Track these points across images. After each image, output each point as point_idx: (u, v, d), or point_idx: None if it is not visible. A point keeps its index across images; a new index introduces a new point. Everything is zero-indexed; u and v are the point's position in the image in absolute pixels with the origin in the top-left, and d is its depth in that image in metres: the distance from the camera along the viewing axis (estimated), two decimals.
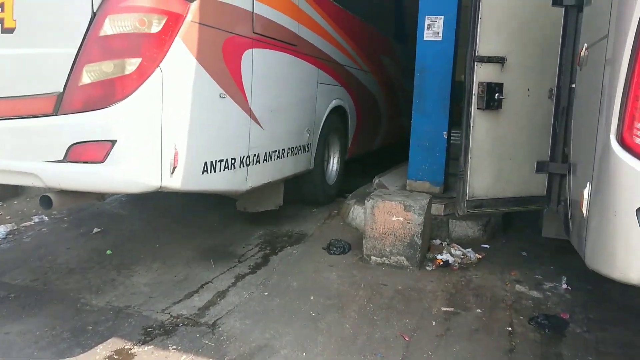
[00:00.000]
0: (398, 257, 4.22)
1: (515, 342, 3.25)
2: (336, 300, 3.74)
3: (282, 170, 4.64)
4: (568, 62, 3.85)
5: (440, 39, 5.16)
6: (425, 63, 5.25)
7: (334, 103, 5.76)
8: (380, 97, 7.65)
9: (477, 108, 3.73)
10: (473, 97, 3.72)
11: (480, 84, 3.69)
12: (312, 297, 3.76)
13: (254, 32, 3.83)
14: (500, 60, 3.72)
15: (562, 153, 4.02)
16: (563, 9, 3.81)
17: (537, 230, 5.05)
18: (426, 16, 5.22)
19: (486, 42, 3.68)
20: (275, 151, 4.42)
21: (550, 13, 3.83)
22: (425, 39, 5.24)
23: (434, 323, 3.46)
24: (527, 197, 4.08)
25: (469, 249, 4.60)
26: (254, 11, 3.82)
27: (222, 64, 3.49)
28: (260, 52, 3.95)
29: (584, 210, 2.35)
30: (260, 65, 3.96)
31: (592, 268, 2.29)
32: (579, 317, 3.58)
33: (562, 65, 3.92)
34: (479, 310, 3.65)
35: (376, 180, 6.17)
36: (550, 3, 3.78)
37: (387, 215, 4.22)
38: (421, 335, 3.31)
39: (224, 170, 3.62)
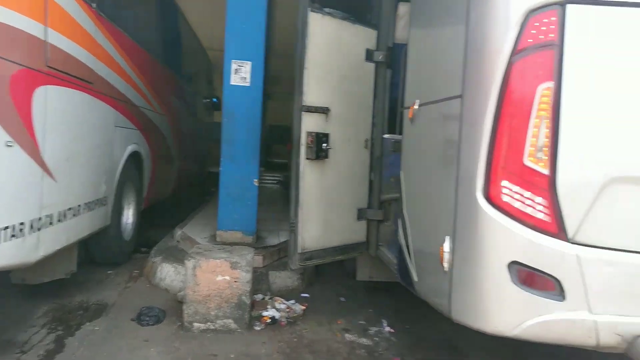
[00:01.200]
0: (225, 320, 3.82)
1: None
2: None
3: (79, 231, 3.86)
4: (380, 115, 4.07)
5: (248, 84, 5.02)
6: (233, 108, 5.04)
7: (130, 148, 5.11)
8: (174, 140, 7.15)
9: (307, 158, 3.64)
10: (302, 147, 3.63)
11: (309, 133, 3.63)
12: None
13: (47, 66, 3.11)
14: (325, 111, 3.73)
15: (378, 200, 4.18)
16: (374, 65, 4.03)
17: (346, 274, 5.20)
18: (232, 60, 5.04)
19: (312, 93, 3.65)
20: (71, 208, 3.65)
21: (364, 68, 4.01)
22: (232, 83, 5.05)
23: None
24: (350, 245, 4.13)
25: (292, 301, 4.45)
26: (48, 40, 3.11)
27: (10, 102, 2.72)
28: (54, 90, 3.23)
29: (445, 264, 2.38)
30: (54, 105, 3.23)
31: (459, 321, 2.32)
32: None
33: (375, 117, 4.12)
34: None
35: (178, 232, 5.65)
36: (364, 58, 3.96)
37: (212, 274, 3.81)
38: None
39: (10, 239, 2.78)
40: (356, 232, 4.10)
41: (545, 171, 2.03)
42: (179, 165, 7.58)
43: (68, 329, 3.82)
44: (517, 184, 2.07)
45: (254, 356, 3.57)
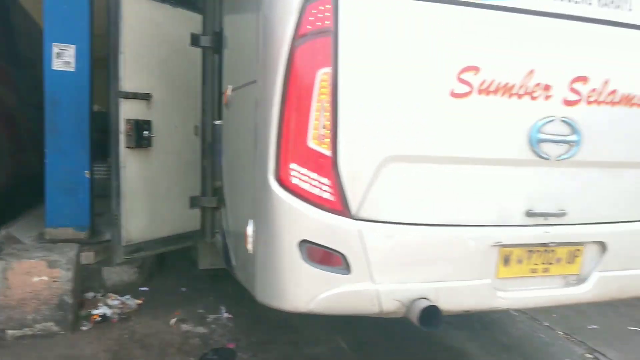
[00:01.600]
0: (45, 324, 3.56)
1: None
2: None
3: None
4: (209, 101, 4.00)
5: (73, 69, 4.66)
6: (57, 95, 4.65)
7: None
8: None
9: (127, 147, 3.48)
10: (121, 135, 3.46)
11: (128, 121, 3.46)
12: None
13: None
14: (146, 97, 3.58)
15: (212, 187, 4.13)
16: (201, 49, 3.94)
17: (192, 264, 5.11)
18: (54, 43, 4.64)
19: (130, 78, 3.48)
20: None
21: (190, 53, 3.91)
22: (54, 68, 4.65)
23: None
24: (184, 234, 4.04)
25: (128, 296, 4.27)
26: None
27: None
28: None
29: (249, 246, 2.42)
30: None
31: (263, 303, 2.37)
32: (244, 344, 3.73)
33: (205, 104, 4.04)
34: None
35: (2, 233, 5.12)
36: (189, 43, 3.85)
37: (27, 276, 3.52)
38: None
39: None
40: (190, 220, 4.02)
41: (328, 153, 2.13)
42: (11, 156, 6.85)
43: None
44: (303, 166, 2.14)
45: (77, 358, 3.37)
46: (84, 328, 3.79)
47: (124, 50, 3.43)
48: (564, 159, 2.44)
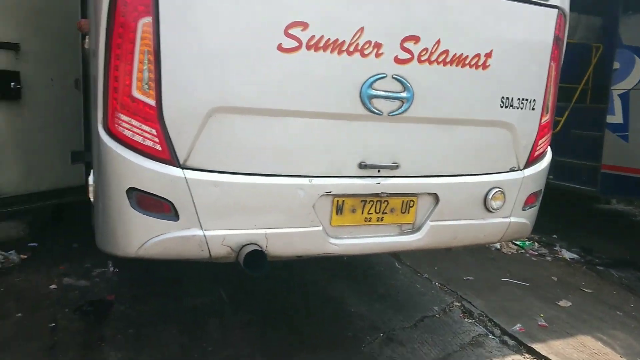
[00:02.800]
0: None
1: (58, 337, 3.20)
2: None
3: None
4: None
5: None
6: None
7: None
8: None
9: None
10: None
11: None
12: None
13: None
14: (13, 47, 3.49)
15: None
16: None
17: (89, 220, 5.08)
18: None
19: None
20: None
21: (69, 2, 3.81)
22: None
23: None
24: (66, 189, 4.02)
25: (12, 251, 4.24)
26: None
27: None
28: None
29: (90, 195, 2.47)
30: None
31: (101, 249, 2.44)
32: (125, 296, 3.81)
33: (87, 56, 3.97)
34: (20, 315, 3.42)
35: None
36: None
37: None
38: None
39: None
40: (72, 175, 4.00)
41: (152, 102, 2.18)
42: None
43: None
44: (129, 116, 2.19)
45: None
46: None
47: None
48: (396, 114, 2.57)
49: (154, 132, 2.20)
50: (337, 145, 2.53)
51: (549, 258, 5.49)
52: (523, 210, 3.06)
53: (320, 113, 2.45)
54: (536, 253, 5.60)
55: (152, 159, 2.22)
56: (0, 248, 4.28)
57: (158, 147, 2.22)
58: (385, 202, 2.68)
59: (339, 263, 4.76)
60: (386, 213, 2.69)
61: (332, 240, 2.58)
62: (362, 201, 2.62)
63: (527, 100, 2.90)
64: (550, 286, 4.67)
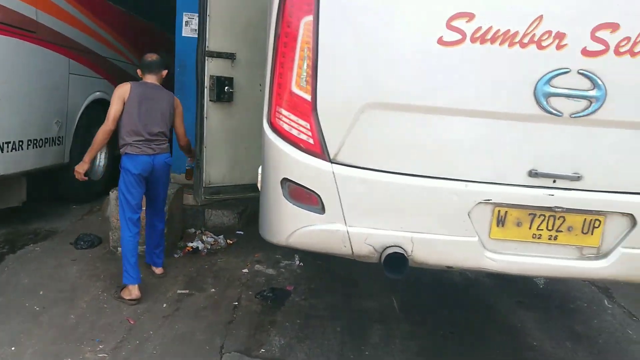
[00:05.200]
0: (144, 246, 4.25)
1: (237, 315, 3.53)
2: (69, 293, 3.66)
3: (20, 164, 4.37)
4: None
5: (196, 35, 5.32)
6: (184, 59, 5.37)
7: (95, 95, 5.57)
8: None
9: (210, 100, 3.95)
10: (205, 89, 3.94)
11: (211, 77, 3.92)
12: (41, 292, 3.63)
13: None
14: (230, 57, 4.00)
15: None
16: None
17: None
18: (184, 13, 5.35)
19: (216, 39, 3.92)
20: (8, 143, 4.15)
21: None
22: (183, 35, 5.37)
23: (164, 305, 3.59)
24: None
25: (222, 236, 4.84)
26: None
27: None
28: None
29: (259, 185, 2.66)
30: None
31: (264, 238, 2.61)
32: (302, 288, 4.02)
33: None
34: (213, 290, 3.88)
35: None
36: None
37: None
38: (148, 317, 3.41)
39: None
40: None
41: (308, 97, 2.24)
42: None
43: (12, 248, 4.39)
44: (288, 110, 2.29)
45: (158, 276, 4.01)
46: (175, 256, 4.45)
47: (210, 14, 3.87)
48: (581, 116, 2.19)
49: (308, 126, 2.28)
50: (502, 149, 2.26)
51: None
52: None
53: (483, 112, 2.22)
54: None
55: (305, 152, 2.30)
56: (213, 232, 4.94)
57: (310, 140, 2.28)
58: (561, 219, 2.29)
59: (529, 291, 4.26)
60: (561, 231, 2.30)
61: (490, 255, 2.31)
62: (530, 214, 2.29)
63: None
64: None
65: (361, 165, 2.28)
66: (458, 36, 2.16)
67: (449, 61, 2.18)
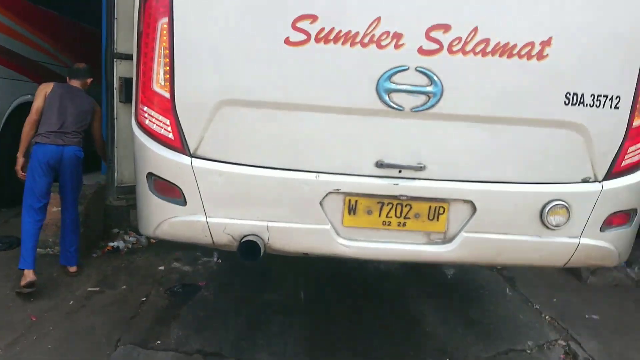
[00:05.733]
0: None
1: (142, 310, 3.62)
2: None
3: None
4: None
5: None
6: None
7: (25, 98, 5.59)
8: None
9: (119, 101, 4.03)
10: (115, 91, 4.02)
11: (120, 78, 4.00)
12: None
13: None
14: None
15: None
16: None
17: None
18: None
19: (124, 41, 4.01)
20: None
21: None
22: None
23: (71, 302, 3.66)
24: None
25: (144, 235, 4.89)
26: None
27: None
28: None
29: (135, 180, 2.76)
30: None
31: (140, 230, 2.72)
32: (215, 284, 4.14)
33: None
34: (124, 287, 3.97)
35: None
36: None
37: (50, 206, 4.28)
38: (52, 314, 3.48)
39: None
40: None
41: (167, 95, 2.37)
42: None
43: None
44: (150, 107, 2.41)
45: (73, 275, 4.07)
46: (94, 255, 4.52)
47: (117, 17, 3.96)
48: (421, 110, 2.35)
49: (168, 122, 2.40)
50: (351, 142, 2.41)
51: None
52: (602, 231, 2.50)
53: (331, 107, 2.37)
54: None
55: (167, 147, 2.41)
56: (135, 231, 5.01)
57: (171, 136, 2.40)
58: (408, 206, 2.45)
59: (436, 281, 4.44)
60: (409, 218, 2.46)
61: (342, 241, 2.46)
62: (379, 202, 2.44)
63: (605, 97, 2.38)
64: None
65: (220, 159, 2.41)
66: (303, 37, 2.30)
67: (296, 60, 2.33)
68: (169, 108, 2.39)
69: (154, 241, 4.88)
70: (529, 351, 3.42)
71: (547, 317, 3.90)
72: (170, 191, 2.45)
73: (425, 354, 3.28)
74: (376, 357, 3.20)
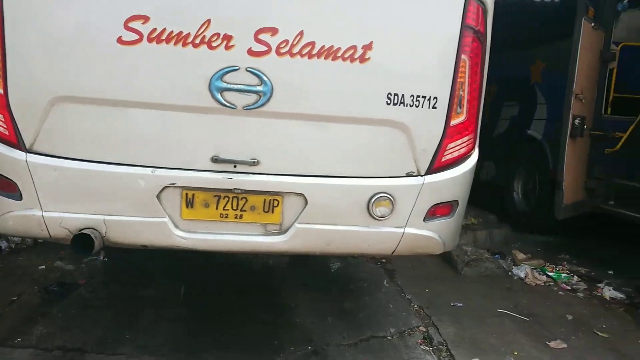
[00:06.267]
0: None
1: (10, 309, 3.58)
2: None
3: None
4: None
5: None
6: None
7: None
8: None
9: None
10: None
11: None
12: None
13: None
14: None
15: None
16: None
17: None
18: None
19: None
20: None
21: None
22: None
23: None
24: None
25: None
26: None
27: None
28: None
29: None
30: None
31: None
32: (95, 281, 4.14)
33: None
34: None
35: None
36: None
37: None
38: None
39: None
40: None
41: (0, 91, 2.40)
42: None
43: None
44: None
45: None
46: None
47: None
48: (252, 108, 2.49)
49: (2, 117, 2.43)
50: (186, 138, 2.52)
51: (580, 294, 4.70)
52: (425, 221, 2.73)
53: (166, 105, 2.47)
54: (569, 287, 4.84)
55: (2, 143, 2.44)
56: None
57: (6, 132, 2.43)
58: (244, 199, 2.59)
59: (317, 274, 4.62)
60: (245, 211, 2.60)
61: (180, 233, 2.56)
62: (215, 196, 2.57)
63: (424, 97, 2.60)
64: (555, 324, 4.01)
65: (56, 154, 2.46)
66: (135, 36, 2.40)
67: (130, 59, 2.42)
68: (3, 104, 2.42)
69: (41, 240, 4.82)
70: (389, 337, 3.63)
71: (415, 305, 4.14)
72: (6, 186, 2.48)
73: (290, 343, 3.42)
74: (238, 348, 3.32)
